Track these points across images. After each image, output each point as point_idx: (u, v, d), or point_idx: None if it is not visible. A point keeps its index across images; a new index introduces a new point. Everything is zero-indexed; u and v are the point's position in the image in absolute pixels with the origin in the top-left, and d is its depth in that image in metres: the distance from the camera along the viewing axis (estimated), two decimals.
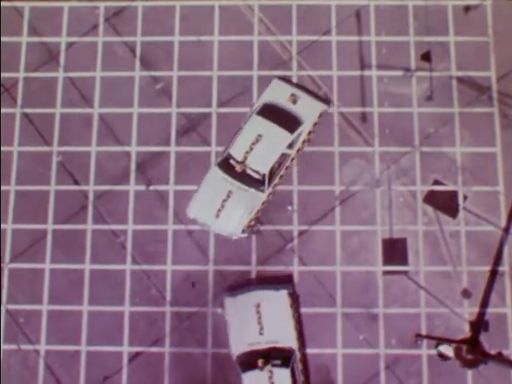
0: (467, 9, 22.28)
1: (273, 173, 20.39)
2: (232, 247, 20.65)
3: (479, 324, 20.09)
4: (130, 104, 22.08)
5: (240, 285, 20.38)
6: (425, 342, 20.01)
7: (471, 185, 21.07)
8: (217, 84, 22.12)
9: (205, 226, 20.55)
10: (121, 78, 22.32)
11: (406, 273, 20.56)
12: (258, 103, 21.14)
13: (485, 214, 20.86)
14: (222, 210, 20.11)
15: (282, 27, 22.53)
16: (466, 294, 20.35)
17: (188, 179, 21.16)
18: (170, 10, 22.83)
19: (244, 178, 20.32)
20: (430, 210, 20.97)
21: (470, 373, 19.77)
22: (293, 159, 20.97)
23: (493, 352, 19.72)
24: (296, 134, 20.58)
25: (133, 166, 21.63)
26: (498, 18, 22.23)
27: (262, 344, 19.03)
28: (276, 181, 20.62)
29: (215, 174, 20.52)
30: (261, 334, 19.04)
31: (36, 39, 22.76)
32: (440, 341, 19.70)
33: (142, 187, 21.41)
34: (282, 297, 19.60)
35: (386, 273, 20.58)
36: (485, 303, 20.21)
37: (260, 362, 18.87)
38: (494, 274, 20.43)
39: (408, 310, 20.26)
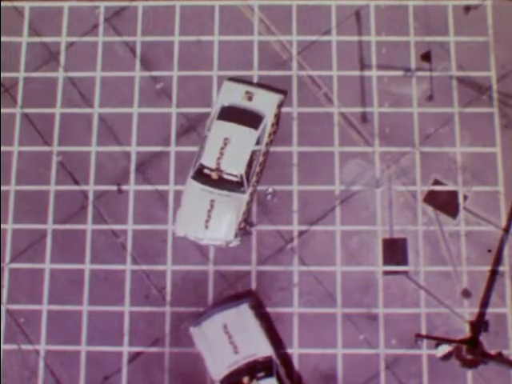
0: (467, 9, 22.28)
1: (249, 172, 20.43)
2: (232, 247, 20.62)
3: (479, 324, 20.09)
4: (130, 104, 22.08)
5: (202, 312, 20.27)
6: (425, 342, 20.00)
7: (471, 185, 21.08)
8: (217, 84, 22.12)
9: (197, 240, 20.49)
10: (121, 78, 22.32)
11: (406, 273, 20.56)
12: (215, 109, 21.09)
13: (485, 213, 20.86)
14: (210, 220, 20.08)
15: (282, 27, 22.53)
16: (466, 293, 20.34)
17: None
18: (169, 10, 22.84)
19: (222, 183, 20.35)
20: (430, 210, 20.97)
21: (469, 373, 19.78)
22: (264, 154, 21.00)
23: (493, 352, 19.68)
24: (260, 129, 20.64)
25: (133, 166, 21.64)
26: (497, 18, 22.24)
27: (241, 361, 18.92)
28: (254, 179, 20.65)
29: (193, 187, 20.48)
30: (236, 352, 18.96)
31: (36, 39, 22.76)
32: (440, 341, 19.67)
33: (143, 187, 21.42)
34: (244, 311, 19.60)
35: (386, 273, 20.58)
36: (485, 303, 20.21)
37: (245, 380, 18.81)
38: (493, 273, 20.43)
39: (408, 310, 20.26)
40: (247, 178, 20.38)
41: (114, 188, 21.44)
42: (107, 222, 21.19)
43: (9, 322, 20.67)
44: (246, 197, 20.44)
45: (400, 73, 21.97)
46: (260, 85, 21.83)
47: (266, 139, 20.83)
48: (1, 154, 21.84)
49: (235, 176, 20.30)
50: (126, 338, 20.40)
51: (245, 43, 22.42)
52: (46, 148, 21.88)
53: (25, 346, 20.49)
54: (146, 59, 22.45)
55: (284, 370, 19.42)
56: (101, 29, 22.77)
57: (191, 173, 20.64)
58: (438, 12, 22.33)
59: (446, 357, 19.59)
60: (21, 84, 22.44)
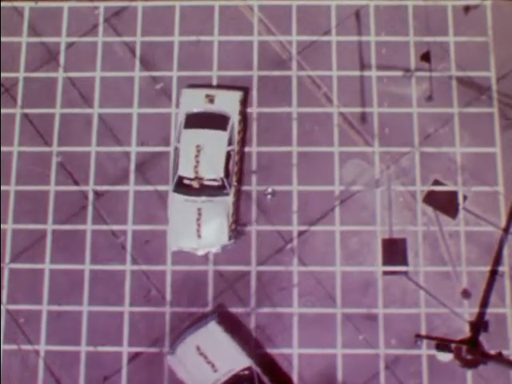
0: (467, 9, 22.27)
1: (228, 174, 20.47)
2: (232, 247, 20.64)
3: (479, 324, 20.09)
4: (130, 104, 22.08)
5: (175, 338, 20.19)
6: (424, 342, 20.00)
7: (471, 185, 21.07)
8: (216, 84, 22.11)
9: (193, 251, 20.46)
10: (121, 78, 22.32)
11: (405, 273, 20.56)
12: (180, 119, 21.10)
13: (484, 214, 20.85)
14: (201, 229, 20.13)
15: (281, 27, 22.52)
16: (466, 294, 20.34)
17: None
18: (169, 10, 22.83)
19: (204, 190, 20.40)
20: (429, 210, 20.96)
21: (469, 373, 19.78)
22: (239, 153, 21.07)
23: (492, 352, 19.69)
24: (229, 129, 20.73)
25: (132, 166, 21.64)
26: (497, 18, 22.22)
27: (222, 379, 18.85)
28: (235, 179, 20.73)
29: (177, 201, 20.52)
30: (215, 371, 18.91)
31: (36, 39, 22.76)
32: (440, 341, 19.68)
33: (143, 187, 21.41)
34: (213, 328, 19.55)
35: (385, 273, 20.58)
36: (484, 303, 20.21)
37: None
38: (493, 274, 20.42)
39: (408, 311, 20.26)
40: (227, 180, 20.43)
41: (115, 188, 21.45)
42: (107, 223, 21.20)
43: (9, 322, 20.69)
44: (230, 198, 20.53)
45: (399, 73, 21.96)
46: (218, 86, 21.86)
47: (236, 138, 20.90)
48: (1, 154, 21.85)
49: (216, 180, 20.38)
50: (125, 338, 20.42)
51: (244, 43, 22.42)
52: (45, 148, 21.89)
53: (25, 347, 20.51)
54: (146, 59, 22.44)
55: (267, 376, 19.32)
56: (100, 29, 22.76)
57: (171, 187, 20.69)
58: (438, 12, 22.31)
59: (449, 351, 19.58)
60: (21, 84, 22.44)
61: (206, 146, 20.47)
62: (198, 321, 20.18)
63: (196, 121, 20.86)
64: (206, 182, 20.44)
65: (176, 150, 20.84)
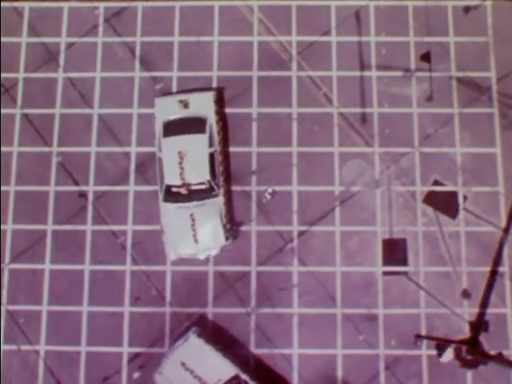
0: (467, 9, 22.27)
1: (214, 175, 20.49)
2: (232, 248, 20.65)
3: (479, 324, 20.10)
4: (130, 104, 22.08)
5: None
6: (424, 342, 20.00)
7: (471, 185, 21.07)
8: (216, 84, 22.11)
9: (194, 257, 20.46)
10: (121, 79, 22.31)
11: (405, 273, 20.56)
12: (158, 128, 21.10)
13: (485, 214, 20.85)
14: (197, 234, 20.16)
15: (281, 27, 22.52)
16: (466, 294, 20.35)
17: None
18: (169, 11, 22.82)
19: (194, 195, 20.41)
20: (429, 210, 20.96)
21: (469, 373, 19.79)
22: (222, 153, 21.07)
23: (493, 352, 19.71)
24: (208, 131, 20.72)
25: (132, 167, 21.64)
26: (498, 18, 22.22)
27: None
28: (222, 179, 20.75)
29: (168, 210, 20.50)
30: None
31: (36, 39, 22.75)
32: (440, 341, 19.69)
33: (143, 187, 21.41)
34: (194, 342, 19.48)
35: (385, 273, 20.58)
36: (484, 304, 20.22)
37: None
38: (493, 274, 20.43)
39: (408, 311, 20.26)
40: (215, 181, 20.44)
41: (115, 188, 21.43)
42: (107, 223, 21.20)
43: (9, 323, 20.70)
44: (221, 199, 20.55)
45: (400, 73, 21.96)
46: (190, 90, 21.80)
47: (217, 138, 20.90)
48: (1, 154, 21.84)
49: (203, 184, 20.39)
50: (125, 339, 20.42)
51: (244, 44, 22.41)
52: (45, 148, 21.89)
53: (25, 347, 20.51)
54: (146, 60, 22.44)
55: (257, 381, 19.32)
56: (100, 29, 22.75)
57: (161, 197, 20.66)
58: (438, 12, 22.32)
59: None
60: (20, 84, 22.43)
61: (187, 151, 20.46)
62: (182, 335, 20.07)
63: (174, 128, 20.85)
64: (194, 187, 20.43)
65: (158, 159, 20.81)
